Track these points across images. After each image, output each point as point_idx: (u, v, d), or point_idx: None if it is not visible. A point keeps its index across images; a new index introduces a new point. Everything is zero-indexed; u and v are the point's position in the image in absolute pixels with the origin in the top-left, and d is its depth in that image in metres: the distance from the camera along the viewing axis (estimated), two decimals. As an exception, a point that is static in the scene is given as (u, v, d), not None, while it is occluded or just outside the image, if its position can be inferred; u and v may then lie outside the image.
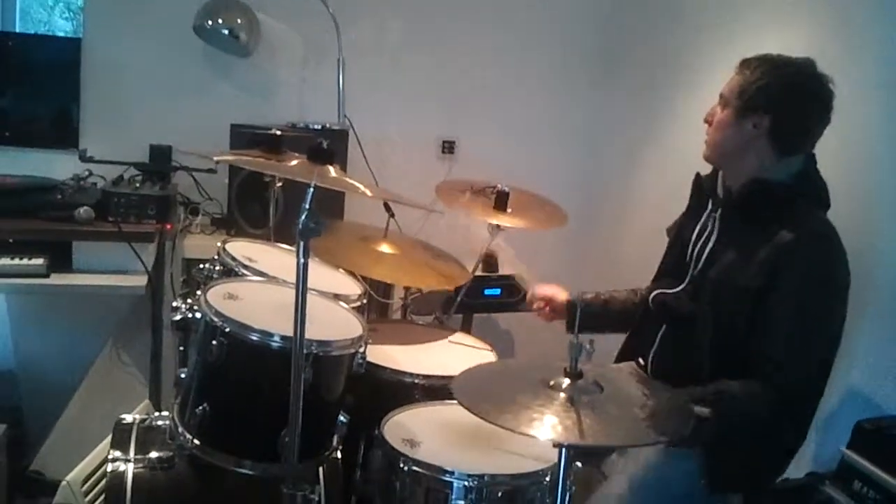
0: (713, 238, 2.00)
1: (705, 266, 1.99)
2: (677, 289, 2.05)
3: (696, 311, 1.94)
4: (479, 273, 2.85)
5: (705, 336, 1.90)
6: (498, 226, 2.51)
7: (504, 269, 3.11)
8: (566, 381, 1.51)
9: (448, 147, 3.53)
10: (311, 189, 1.51)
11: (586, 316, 2.18)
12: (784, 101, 1.87)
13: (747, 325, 1.82)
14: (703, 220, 2.06)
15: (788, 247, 1.80)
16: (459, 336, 2.50)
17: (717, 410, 1.73)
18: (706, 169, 2.10)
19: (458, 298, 2.70)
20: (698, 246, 2.04)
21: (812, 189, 1.91)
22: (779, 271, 1.79)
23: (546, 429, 1.38)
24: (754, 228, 1.88)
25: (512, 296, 3.11)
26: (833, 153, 1.98)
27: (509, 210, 2.52)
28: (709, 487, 1.83)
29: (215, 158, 2.08)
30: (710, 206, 2.05)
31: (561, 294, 2.36)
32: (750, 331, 1.82)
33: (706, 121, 2.01)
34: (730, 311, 1.86)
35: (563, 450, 1.44)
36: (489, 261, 3.04)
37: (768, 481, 1.86)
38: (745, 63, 1.93)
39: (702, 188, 2.10)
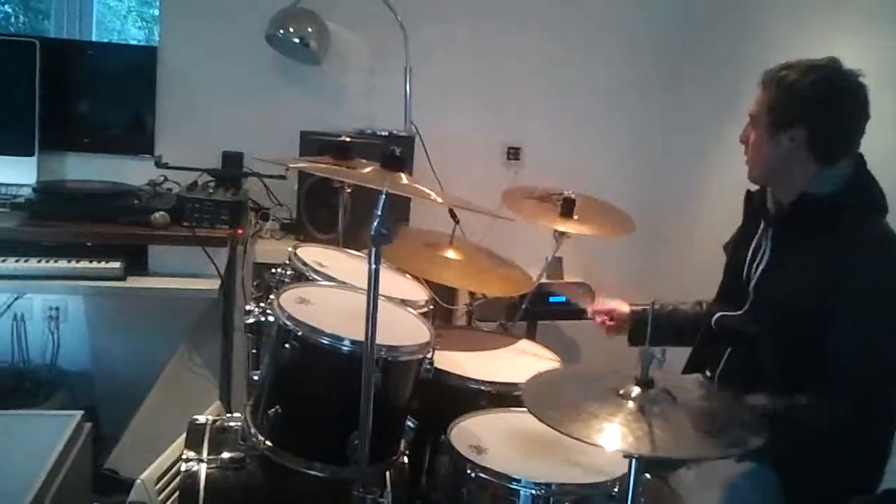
0: (766, 257, 1.94)
1: (763, 287, 1.94)
2: (739, 311, 1.99)
3: (759, 333, 1.89)
4: (544, 280, 2.83)
5: (770, 359, 1.85)
6: (563, 233, 2.49)
7: (569, 277, 3.09)
8: (636, 390, 1.49)
9: (513, 153, 3.53)
10: (384, 196, 1.53)
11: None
12: (816, 108, 1.81)
13: (812, 343, 1.77)
14: (756, 238, 2.00)
15: (845, 263, 1.74)
16: (524, 343, 2.49)
17: (785, 422, 1.69)
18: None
19: (523, 305, 2.69)
20: (754, 266, 1.98)
21: (864, 195, 1.84)
22: (838, 290, 1.74)
23: (616, 439, 1.37)
24: (808, 245, 1.82)
25: (577, 304, 3.09)
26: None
27: (575, 217, 2.51)
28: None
29: (290, 165, 2.12)
30: (762, 224, 1.99)
31: (622, 306, 2.34)
32: (816, 351, 1.77)
33: (742, 141, 1.95)
34: (793, 333, 1.81)
35: (634, 461, 1.42)
36: (555, 268, 3.02)
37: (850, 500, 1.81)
38: (768, 76, 1.87)
39: (754, 205, 2.04)
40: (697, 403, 1.55)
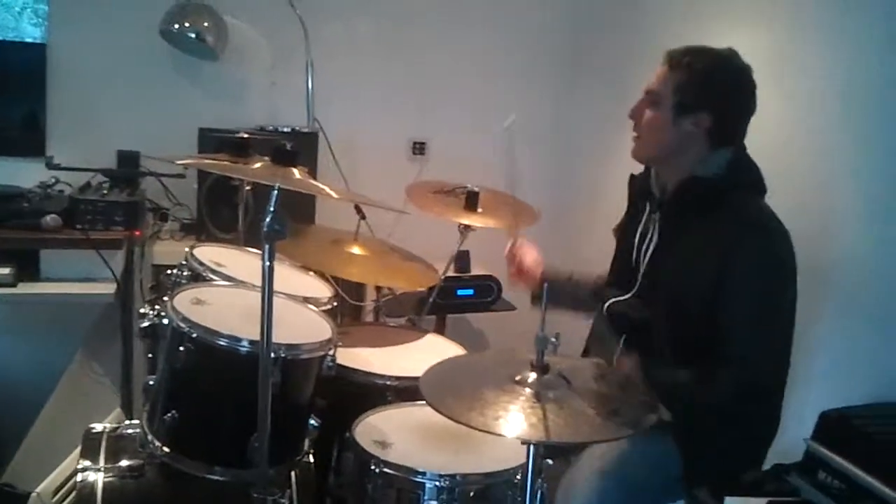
0: (654, 241, 1.97)
1: (652, 270, 1.97)
2: (629, 295, 2.02)
3: (651, 317, 1.93)
4: (451, 274, 2.84)
5: (663, 342, 1.88)
6: (468, 226, 2.51)
7: (476, 270, 3.11)
8: (532, 376, 1.50)
9: (419, 148, 3.53)
10: (276, 192, 1.51)
11: (555, 293, 2.18)
12: (723, 97, 1.86)
13: (704, 324, 1.81)
14: (643, 222, 2.03)
15: (732, 242, 1.79)
16: (432, 337, 2.50)
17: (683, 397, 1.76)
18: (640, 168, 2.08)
19: (431, 299, 2.70)
20: (642, 250, 2.01)
21: (747, 177, 1.90)
22: (726, 267, 1.79)
23: (512, 426, 1.38)
24: (695, 227, 1.87)
25: (485, 296, 3.12)
26: (795, 147, 1.99)
27: (480, 210, 2.53)
28: (686, 482, 1.83)
29: (179, 163, 2.07)
30: (647, 208, 2.02)
31: (537, 266, 2.30)
32: (708, 329, 1.81)
33: (631, 117, 1.96)
34: (684, 312, 1.85)
35: (531, 447, 1.44)
36: (461, 261, 3.04)
37: (743, 473, 1.86)
38: (675, 57, 1.88)
39: (638, 189, 2.07)
40: (592, 386, 1.57)
